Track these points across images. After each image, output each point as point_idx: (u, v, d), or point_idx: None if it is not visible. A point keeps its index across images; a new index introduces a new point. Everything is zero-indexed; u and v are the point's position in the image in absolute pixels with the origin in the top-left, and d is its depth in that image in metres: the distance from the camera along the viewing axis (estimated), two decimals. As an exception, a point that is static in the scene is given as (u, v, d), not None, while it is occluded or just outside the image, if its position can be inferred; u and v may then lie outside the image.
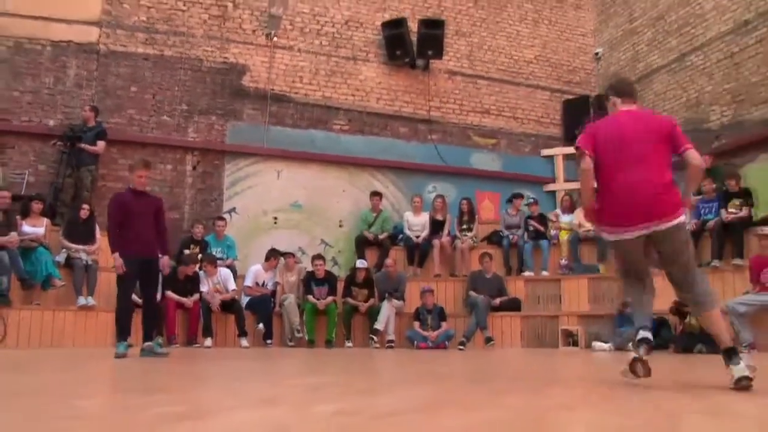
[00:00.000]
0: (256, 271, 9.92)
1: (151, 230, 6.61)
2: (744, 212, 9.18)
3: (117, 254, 6.40)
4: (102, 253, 9.46)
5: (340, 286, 10.16)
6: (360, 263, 10.26)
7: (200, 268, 9.52)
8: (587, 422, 2.41)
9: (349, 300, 9.91)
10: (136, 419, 2.42)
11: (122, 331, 6.42)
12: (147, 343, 6.46)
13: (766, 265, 8.13)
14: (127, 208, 6.51)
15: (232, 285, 9.52)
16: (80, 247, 9.07)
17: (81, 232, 9.22)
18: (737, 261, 8.89)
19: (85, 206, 9.29)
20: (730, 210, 9.28)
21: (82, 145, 9.71)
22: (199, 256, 9.75)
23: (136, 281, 6.80)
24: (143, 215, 6.55)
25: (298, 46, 12.13)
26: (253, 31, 11.85)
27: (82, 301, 8.74)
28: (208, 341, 9.02)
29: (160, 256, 6.70)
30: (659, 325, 8.75)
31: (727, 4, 11.31)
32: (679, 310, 8.10)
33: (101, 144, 9.91)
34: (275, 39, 11.92)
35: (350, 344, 9.72)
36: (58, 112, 10.37)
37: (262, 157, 11.50)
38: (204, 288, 9.32)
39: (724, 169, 10.35)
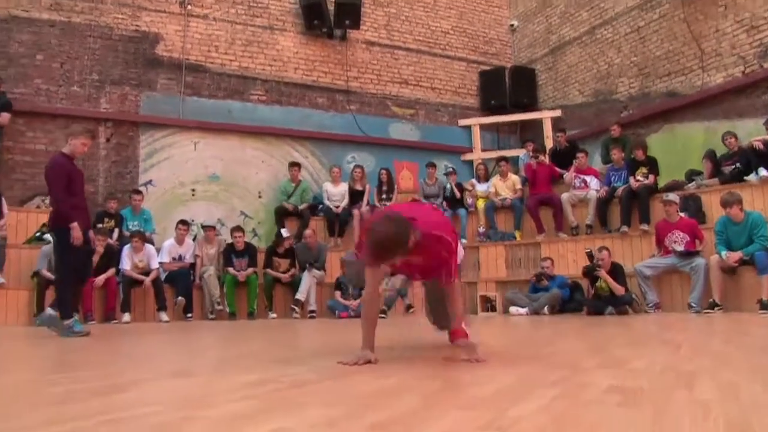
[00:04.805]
0: (169, 246, 9.79)
1: (85, 200, 6.27)
2: (650, 180, 9.63)
3: (76, 224, 5.84)
4: (11, 229, 9.16)
5: (261, 258, 10.15)
6: (285, 232, 10.26)
7: (120, 243, 9.37)
8: (491, 377, 2.55)
9: (270, 271, 9.92)
10: (47, 395, 2.42)
11: (70, 308, 5.96)
12: (68, 321, 5.94)
13: (670, 230, 8.55)
14: (70, 174, 5.97)
15: (155, 263, 9.37)
16: (-14, 223, 8.71)
17: (-15, 208, 8.85)
18: (644, 226, 9.32)
19: (-10, 181, 8.90)
20: (637, 178, 9.72)
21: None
22: (115, 230, 9.57)
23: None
24: (80, 184, 6.12)
25: (214, 14, 11.87)
26: (166, -2, 11.53)
27: (-10, 278, 8.43)
28: (127, 316, 8.88)
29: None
30: (573, 289, 9.15)
31: (633, -20, 11.72)
32: (590, 272, 8.45)
33: (5, 115, 9.46)
34: (189, 7, 11.62)
35: (274, 315, 9.75)
36: (-47, 80, 9.82)
37: (178, 128, 11.26)
38: (125, 265, 9.14)
39: (631, 139, 10.82)
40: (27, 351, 4.88)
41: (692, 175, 9.73)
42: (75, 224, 5.85)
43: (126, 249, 9.24)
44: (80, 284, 6.42)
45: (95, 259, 8.78)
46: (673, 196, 8.74)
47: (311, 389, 2.49)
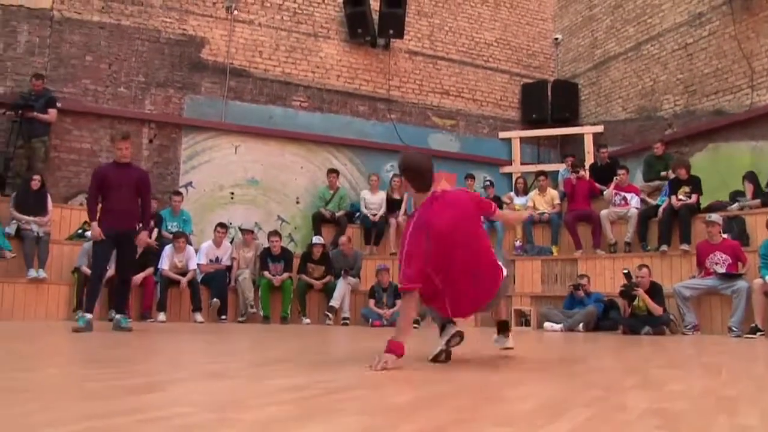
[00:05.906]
0: (207, 248, 9.89)
1: (131, 203, 6.55)
2: (692, 200, 9.44)
3: (95, 224, 6.38)
4: (55, 225, 9.35)
5: (296, 263, 10.20)
6: (316, 239, 10.30)
7: (159, 244, 9.51)
8: (526, 393, 2.52)
9: (304, 276, 9.96)
10: (84, 391, 2.45)
11: (86, 304, 6.43)
12: (117, 316, 6.59)
13: (712, 251, 8.36)
14: (106, 181, 6.42)
15: (193, 264, 9.48)
16: (31, 218, 8.90)
17: (32, 204, 9.03)
18: (684, 246, 9.13)
19: (36, 177, 9.09)
20: (679, 197, 9.53)
21: (33, 114, 9.45)
22: (154, 230, 9.70)
23: (111, 254, 6.65)
24: (123, 188, 6.45)
25: (259, 20, 12.00)
26: (213, 3, 11.68)
27: (32, 273, 8.60)
28: (162, 316, 8.99)
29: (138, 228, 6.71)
30: (608, 307, 8.99)
31: (682, -4, 11.56)
32: (627, 293, 8.30)
33: (52, 112, 9.68)
34: (235, 12, 11.77)
35: (308, 321, 9.77)
36: (8, 79, 10.04)
37: (219, 131, 11.40)
38: (164, 265, 9.27)
39: (674, 157, 10.64)
40: (66, 346, 4.96)
41: (736, 195, 9.52)
42: (93, 224, 6.43)
43: (167, 249, 9.37)
44: (123, 283, 6.83)
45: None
46: (716, 217, 8.55)
47: (347, 396, 2.48)
